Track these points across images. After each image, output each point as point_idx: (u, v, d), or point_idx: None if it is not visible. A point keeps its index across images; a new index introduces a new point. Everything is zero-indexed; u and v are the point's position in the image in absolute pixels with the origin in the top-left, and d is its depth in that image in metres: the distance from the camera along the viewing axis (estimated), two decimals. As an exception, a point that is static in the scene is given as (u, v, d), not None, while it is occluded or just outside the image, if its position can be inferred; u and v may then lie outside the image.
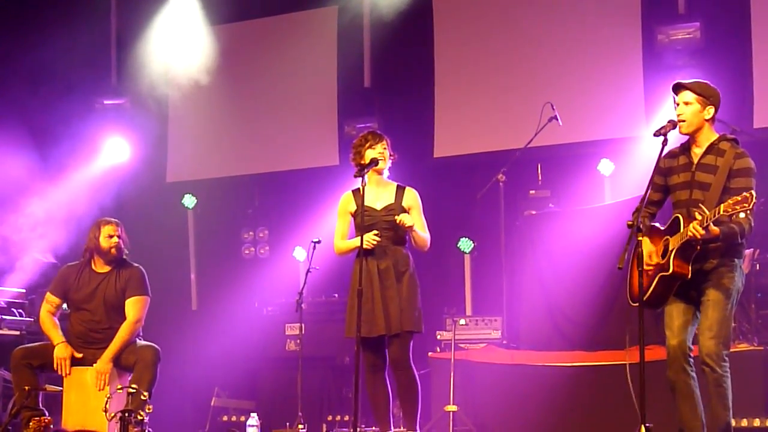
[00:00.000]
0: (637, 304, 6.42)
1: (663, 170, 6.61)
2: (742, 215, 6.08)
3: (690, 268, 6.33)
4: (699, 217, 6.13)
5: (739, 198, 5.95)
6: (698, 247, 6.29)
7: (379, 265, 7.41)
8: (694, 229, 6.12)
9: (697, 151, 6.53)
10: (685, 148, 6.57)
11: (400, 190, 7.58)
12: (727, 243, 6.35)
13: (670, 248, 6.35)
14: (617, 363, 8.33)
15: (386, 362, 7.47)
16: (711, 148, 6.48)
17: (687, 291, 6.49)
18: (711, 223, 6.10)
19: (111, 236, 8.40)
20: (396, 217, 7.36)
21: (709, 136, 6.53)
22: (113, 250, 8.40)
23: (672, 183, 6.57)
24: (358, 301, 7.16)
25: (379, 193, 7.58)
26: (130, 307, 8.31)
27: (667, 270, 6.34)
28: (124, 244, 8.49)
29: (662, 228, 6.56)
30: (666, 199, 6.73)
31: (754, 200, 5.92)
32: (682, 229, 6.30)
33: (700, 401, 6.46)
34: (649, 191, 6.51)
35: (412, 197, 7.58)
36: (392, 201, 7.52)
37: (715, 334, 6.33)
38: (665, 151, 6.53)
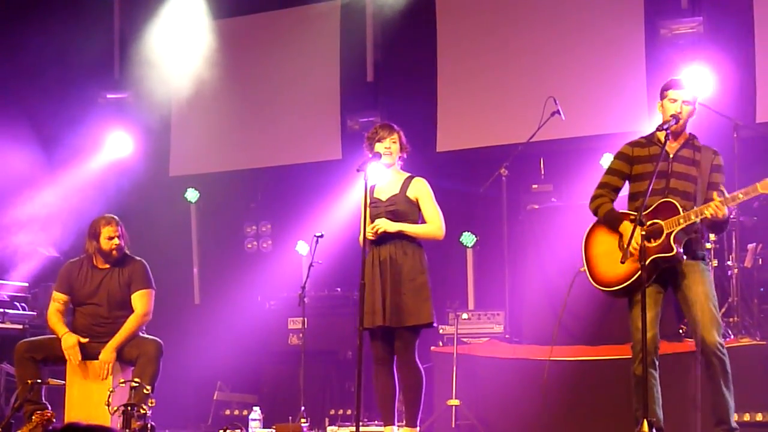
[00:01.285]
0: (607, 289, 6.72)
1: (631, 158, 6.84)
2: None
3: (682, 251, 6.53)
4: (719, 199, 6.37)
5: None
6: (695, 233, 6.56)
7: (380, 256, 7.42)
8: (717, 208, 6.36)
9: (672, 144, 6.75)
10: (654, 139, 6.75)
11: (407, 181, 7.57)
12: (718, 229, 6.81)
13: (666, 231, 6.45)
14: (620, 357, 8.34)
15: (392, 355, 7.47)
16: (687, 143, 6.77)
17: (661, 277, 6.62)
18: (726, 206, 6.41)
19: (111, 238, 8.39)
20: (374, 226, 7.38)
21: (684, 133, 6.80)
22: (114, 252, 8.40)
23: (641, 172, 6.73)
24: (360, 294, 7.16)
25: (388, 185, 7.58)
26: (138, 300, 8.33)
27: (670, 251, 6.46)
28: (125, 242, 8.48)
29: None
30: (624, 186, 6.93)
31: None
32: (681, 213, 6.46)
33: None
34: (615, 178, 6.90)
35: (418, 186, 7.55)
36: (397, 192, 7.52)
37: (716, 325, 6.52)
38: (630, 140, 6.95)
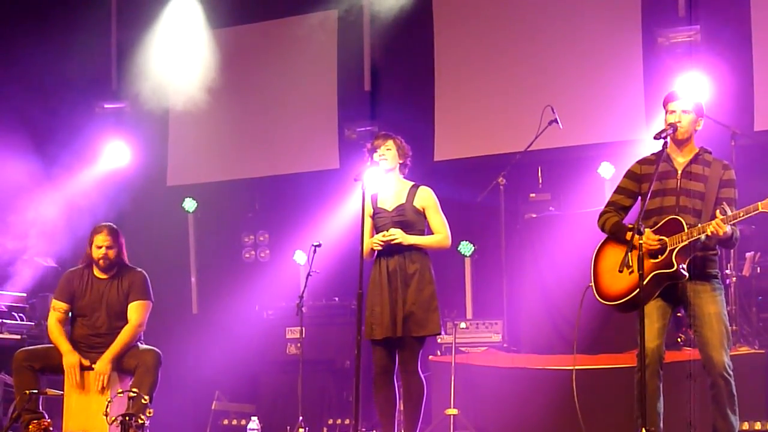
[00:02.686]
0: (609, 303, 6.69)
1: (639, 176, 6.78)
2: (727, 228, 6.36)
3: (686, 268, 6.47)
4: (721, 216, 6.30)
5: None
6: (698, 248, 6.47)
7: (388, 266, 7.39)
8: (718, 226, 6.28)
9: (680, 160, 6.70)
10: (664, 156, 6.63)
11: (413, 190, 7.52)
12: (725, 246, 6.65)
13: (670, 247, 6.43)
14: (618, 366, 8.35)
15: (395, 366, 7.45)
16: (696, 158, 6.68)
17: (672, 292, 6.59)
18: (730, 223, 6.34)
19: (99, 247, 8.35)
20: (389, 235, 7.37)
21: (692, 147, 6.74)
22: (101, 261, 8.37)
23: (652, 189, 6.60)
24: (358, 303, 7.14)
25: (393, 194, 7.54)
26: (133, 311, 8.31)
27: (670, 267, 6.43)
28: (119, 253, 8.43)
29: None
30: (634, 205, 6.84)
31: None
32: (686, 230, 6.41)
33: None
34: (621, 197, 6.85)
35: (424, 196, 7.51)
36: (403, 201, 7.49)
37: (724, 347, 6.46)
38: (639, 158, 6.85)
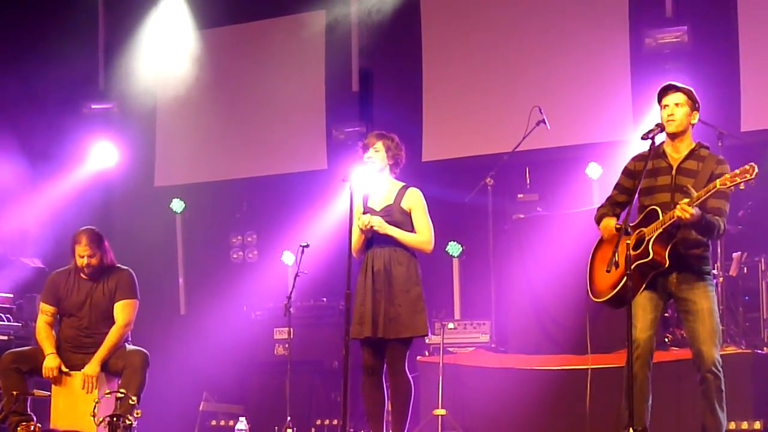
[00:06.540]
0: (599, 299, 6.72)
1: (633, 173, 6.72)
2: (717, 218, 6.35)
3: (666, 256, 6.41)
4: (685, 200, 6.21)
5: (738, 171, 6.10)
6: (677, 235, 6.40)
7: (374, 266, 7.36)
8: (683, 210, 6.18)
9: (675, 156, 6.63)
10: (660, 152, 6.62)
11: (402, 191, 7.47)
12: (704, 234, 6.45)
13: (647, 237, 6.42)
14: (605, 366, 8.35)
15: (383, 366, 7.43)
16: (691, 154, 6.61)
17: (663, 285, 6.56)
18: (696, 206, 6.21)
19: (81, 256, 8.27)
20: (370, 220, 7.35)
21: (689, 143, 6.65)
22: (85, 270, 8.29)
23: (646, 186, 6.59)
24: (346, 303, 7.11)
25: (382, 195, 7.50)
26: (119, 310, 8.28)
27: (647, 256, 6.41)
28: (102, 258, 8.33)
29: (631, 225, 6.60)
30: (631, 201, 6.75)
31: (756, 171, 6.07)
32: (661, 218, 6.37)
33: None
34: (615, 192, 6.81)
35: (411, 197, 7.44)
36: (391, 202, 7.45)
37: (715, 343, 6.43)
38: (635, 154, 6.78)
